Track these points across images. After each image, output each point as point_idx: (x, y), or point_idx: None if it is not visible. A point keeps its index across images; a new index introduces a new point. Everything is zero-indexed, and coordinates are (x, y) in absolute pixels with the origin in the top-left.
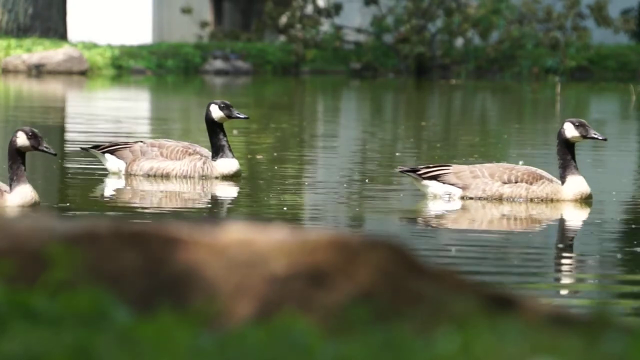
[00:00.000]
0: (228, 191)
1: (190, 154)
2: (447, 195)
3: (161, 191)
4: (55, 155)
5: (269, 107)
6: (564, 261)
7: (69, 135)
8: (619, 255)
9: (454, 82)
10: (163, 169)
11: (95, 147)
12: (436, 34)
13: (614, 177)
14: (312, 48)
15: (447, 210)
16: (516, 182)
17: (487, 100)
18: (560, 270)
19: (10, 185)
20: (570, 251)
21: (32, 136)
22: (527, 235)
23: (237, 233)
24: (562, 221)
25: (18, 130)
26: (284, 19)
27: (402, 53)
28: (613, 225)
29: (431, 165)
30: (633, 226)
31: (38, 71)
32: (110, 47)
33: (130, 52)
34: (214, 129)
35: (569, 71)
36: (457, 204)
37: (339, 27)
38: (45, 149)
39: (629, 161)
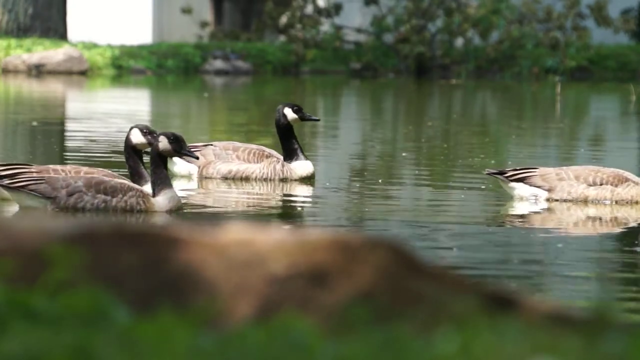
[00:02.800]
0: (309, 192)
1: (267, 157)
2: (534, 197)
3: (252, 194)
4: (197, 159)
5: (270, 107)
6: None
7: (69, 135)
8: None
9: (454, 82)
10: (243, 172)
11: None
12: (436, 34)
13: None
14: (312, 48)
15: (532, 212)
16: (601, 185)
17: (488, 100)
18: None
19: (154, 190)
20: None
21: (173, 140)
22: (609, 236)
23: (237, 233)
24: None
25: (160, 134)
26: (284, 19)
27: (402, 53)
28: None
29: (518, 168)
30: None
31: (38, 71)
32: (110, 47)
33: (130, 52)
34: (287, 132)
35: (569, 71)
36: (542, 206)
37: (339, 27)
38: (187, 153)
39: (629, 161)
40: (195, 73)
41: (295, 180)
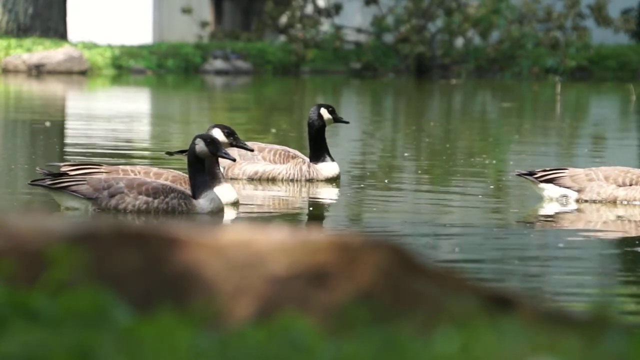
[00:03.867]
0: (334, 193)
1: (292, 157)
2: (563, 198)
3: (280, 194)
4: (234, 160)
5: (271, 107)
6: None
7: (69, 135)
8: None
9: (454, 82)
10: (269, 173)
11: (183, 152)
12: (436, 34)
13: None
14: (312, 48)
15: (558, 213)
16: (631, 185)
17: (489, 100)
18: None
19: (194, 192)
20: None
21: (210, 142)
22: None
23: (237, 233)
24: None
25: (196, 137)
26: (284, 19)
27: (402, 53)
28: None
29: (548, 169)
30: None
31: (38, 71)
32: (110, 47)
33: (131, 52)
34: (320, 132)
35: (569, 71)
36: (571, 207)
37: (339, 27)
38: (224, 155)
39: (630, 161)
40: (195, 73)
41: (321, 181)
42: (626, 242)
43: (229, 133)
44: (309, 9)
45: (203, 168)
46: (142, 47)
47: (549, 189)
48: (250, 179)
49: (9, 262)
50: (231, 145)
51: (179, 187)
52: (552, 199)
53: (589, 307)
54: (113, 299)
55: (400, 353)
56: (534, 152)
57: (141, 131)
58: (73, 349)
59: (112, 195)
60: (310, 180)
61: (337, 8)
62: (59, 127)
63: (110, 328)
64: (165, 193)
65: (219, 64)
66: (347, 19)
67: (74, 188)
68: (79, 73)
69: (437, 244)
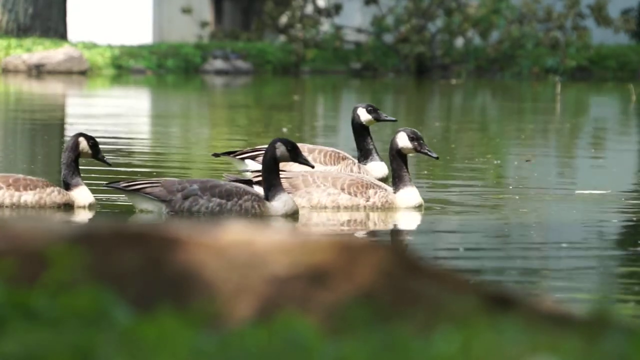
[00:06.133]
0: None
1: (342, 159)
2: None
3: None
4: (313, 167)
5: (269, 107)
6: None
7: (69, 136)
8: None
9: (454, 82)
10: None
11: (229, 153)
12: (436, 34)
13: (616, 176)
14: (312, 48)
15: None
16: None
17: (489, 100)
18: None
19: (267, 195)
20: None
21: (291, 148)
22: None
23: (237, 234)
24: None
25: (277, 141)
26: (284, 19)
27: (402, 53)
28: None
29: None
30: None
31: (38, 71)
32: (110, 47)
33: (131, 52)
34: (362, 132)
35: (569, 71)
36: None
37: (339, 27)
38: (304, 161)
39: (630, 161)
40: (195, 73)
41: None
42: (628, 242)
43: (414, 138)
44: (309, 9)
45: (278, 171)
46: (142, 47)
47: None
48: None
49: (9, 262)
50: (415, 150)
51: (252, 189)
52: None
53: (589, 307)
54: (113, 299)
55: (400, 353)
56: (537, 154)
57: (141, 131)
58: (73, 349)
59: (185, 198)
60: None
61: (337, 8)
62: (59, 127)
63: (110, 328)
64: (238, 195)
65: (219, 64)
66: (347, 19)
67: (148, 190)
68: (79, 73)
69: (440, 242)
